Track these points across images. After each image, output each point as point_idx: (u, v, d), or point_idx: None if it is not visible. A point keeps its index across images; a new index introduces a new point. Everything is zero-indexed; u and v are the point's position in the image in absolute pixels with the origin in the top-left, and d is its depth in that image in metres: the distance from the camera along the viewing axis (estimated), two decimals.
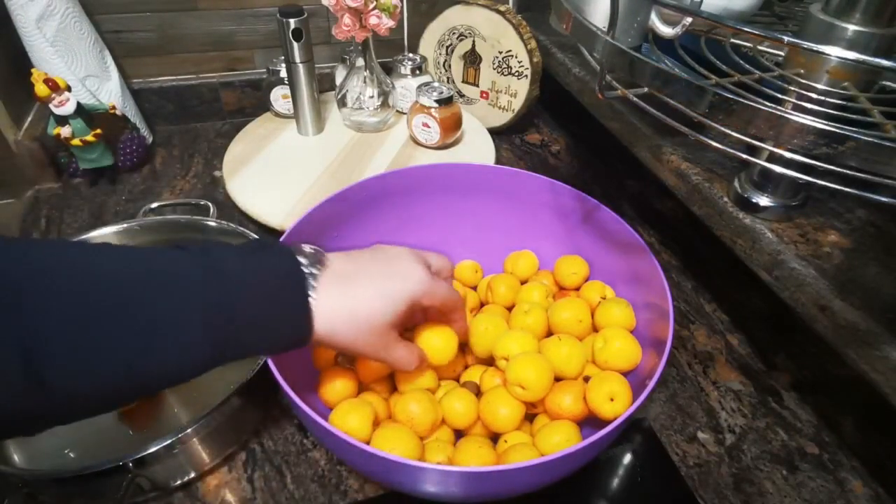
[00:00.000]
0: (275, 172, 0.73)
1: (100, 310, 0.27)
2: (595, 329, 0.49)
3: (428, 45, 0.87)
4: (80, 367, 0.26)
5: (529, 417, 0.45)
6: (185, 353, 0.30)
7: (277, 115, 0.83)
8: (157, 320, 0.28)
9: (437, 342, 0.44)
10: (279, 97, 0.81)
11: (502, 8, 0.78)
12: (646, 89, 0.36)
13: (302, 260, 0.35)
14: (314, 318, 0.34)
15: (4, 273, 0.25)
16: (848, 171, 0.29)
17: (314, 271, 0.35)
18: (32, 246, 0.28)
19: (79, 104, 0.67)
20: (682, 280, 0.65)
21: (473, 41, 0.82)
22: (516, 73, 0.80)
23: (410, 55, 0.84)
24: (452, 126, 0.76)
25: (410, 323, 0.44)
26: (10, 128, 0.70)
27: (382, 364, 0.43)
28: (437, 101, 0.73)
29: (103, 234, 0.57)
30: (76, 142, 0.68)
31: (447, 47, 0.85)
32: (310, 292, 0.34)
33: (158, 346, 0.29)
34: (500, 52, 0.80)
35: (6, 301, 0.24)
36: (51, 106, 0.66)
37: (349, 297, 0.36)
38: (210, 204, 0.66)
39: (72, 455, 0.46)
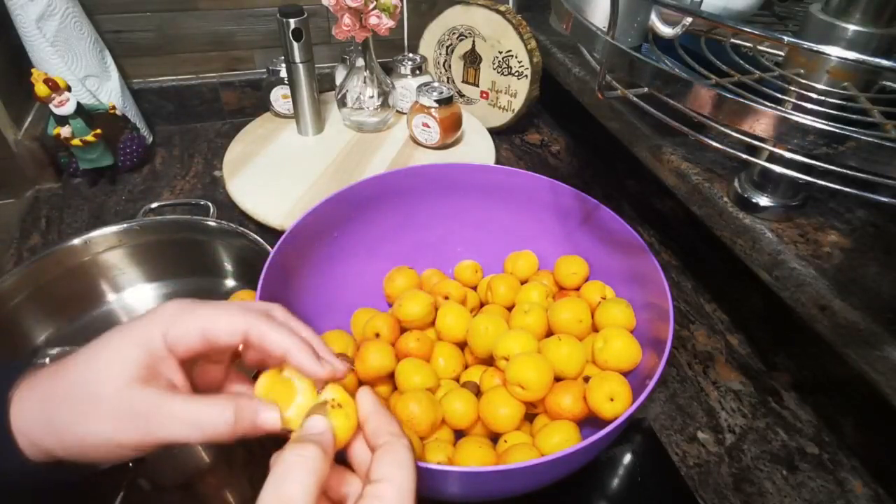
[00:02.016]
0: (275, 172, 0.73)
1: None
2: (595, 329, 0.49)
3: (428, 45, 0.87)
4: None
5: (529, 417, 0.45)
6: None
7: (277, 115, 0.83)
8: None
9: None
10: (279, 97, 0.81)
11: (502, 8, 0.78)
12: (646, 89, 0.36)
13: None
14: (12, 421, 0.27)
15: None
16: (848, 171, 0.29)
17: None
18: None
19: (79, 104, 0.67)
20: (682, 280, 0.65)
21: (473, 41, 0.82)
22: (516, 73, 0.80)
23: (410, 55, 0.84)
24: (452, 126, 0.76)
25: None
26: (10, 128, 0.70)
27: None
28: (437, 101, 0.73)
29: (103, 234, 0.57)
30: (76, 142, 0.68)
31: (447, 47, 0.85)
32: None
33: None
34: (500, 52, 0.80)
35: None
36: (51, 106, 0.66)
37: (51, 385, 0.28)
38: (210, 204, 0.66)
39: None
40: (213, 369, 0.32)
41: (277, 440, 0.48)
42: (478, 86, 0.86)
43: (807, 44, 0.28)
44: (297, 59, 0.72)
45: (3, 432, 0.27)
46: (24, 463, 0.27)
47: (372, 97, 0.78)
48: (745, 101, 0.31)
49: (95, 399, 0.27)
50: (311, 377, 0.30)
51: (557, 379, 0.44)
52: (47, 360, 0.42)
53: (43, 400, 0.28)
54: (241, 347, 0.31)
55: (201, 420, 0.27)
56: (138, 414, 0.27)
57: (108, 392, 0.27)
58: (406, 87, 0.82)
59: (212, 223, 0.59)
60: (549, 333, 0.49)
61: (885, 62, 0.26)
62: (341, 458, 0.30)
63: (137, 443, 0.27)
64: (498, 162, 0.81)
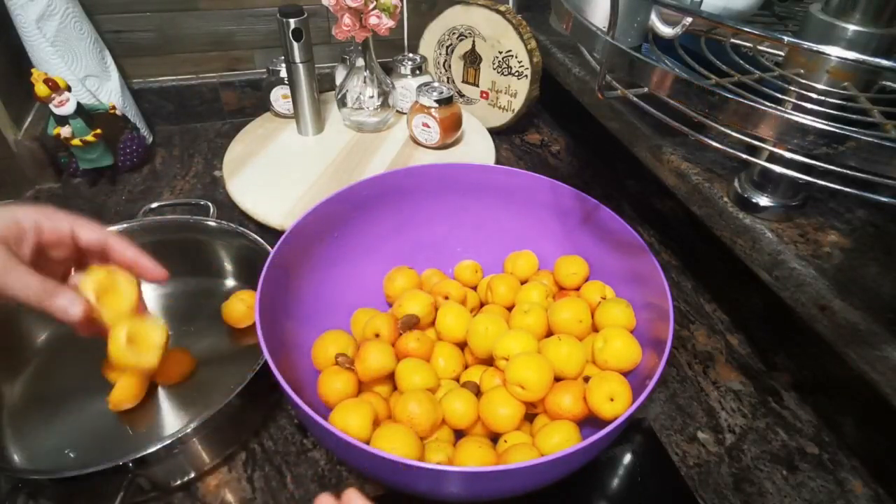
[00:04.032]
0: (275, 172, 0.73)
1: None
2: (595, 329, 0.49)
3: (428, 45, 0.87)
4: None
5: (529, 417, 0.45)
6: None
7: (277, 115, 0.83)
8: None
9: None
10: (279, 97, 0.81)
11: (502, 8, 0.78)
12: (646, 89, 0.36)
13: None
14: None
15: None
16: (848, 171, 0.29)
17: None
18: None
19: (79, 104, 0.67)
20: (682, 280, 0.65)
21: (473, 41, 0.82)
22: (516, 73, 0.80)
23: (410, 55, 0.84)
24: (452, 126, 0.76)
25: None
26: (10, 128, 0.70)
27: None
28: (437, 101, 0.73)
29: None
30: (76, 142, 0.68)
31: (447, 47, 0.85)
32: None
33: None
34: (500, 52, 0.80)
35: None
36: (51, 106, 0.66)
37: None
38: (210, 204, 0.66)
39: (72, 455, 0.46)
40: (51, 263, 0.40)
41: (277, 440, 0.48)
42: (478, 86, 0.86)
43: (807, 44, 0.28)
44: (297, 59, 0.72)
45: None
46: None
47: (372, 97, 0.78)
48: (746, 102, 0.31)
49: None
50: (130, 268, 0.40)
51: (557, 379, 0.44)
52: None
53: None
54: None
55: (33, 288, 0.35)
56: None
57: None
58: (406, 87, 0.82)
59: (212, 223, 0.59)
60: (549, 333, 0.49)
61: (885, 62, 0.26)
62: None
63: None
64: (498, 162, 0.81)
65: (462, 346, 0.50)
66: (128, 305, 0.39)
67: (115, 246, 0.40)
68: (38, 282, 0.36)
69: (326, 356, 0.46)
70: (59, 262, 0.40)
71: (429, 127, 0.75)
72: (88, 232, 0.39)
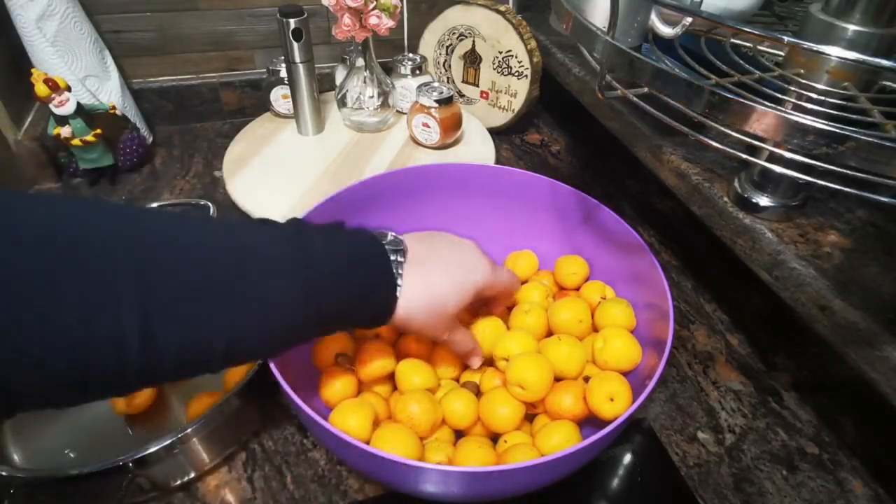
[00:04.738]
0: (275, 172, 0.73)
1: (211, 281, 0.29)
2: (595, 329, 0.49)
3: (428, 45, 0.87)
4: (189, 333, 0.29)
5: (529, 417, 0.45)
6: (283, 329, 0.33)
7: (277, 115, 0.83)
8: (261, 296, 0.31)
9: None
10: (279, 97, 0.81)
11: (502, 8, 0.78)
12: (646, 89, 0.36)
13: (387, 247, 0.37)
14: (398, 303, 0.37)
15: (127, 239, 0.27)
16: (848, 171, 0.29)
17: (399, 259, 0.37)
18: (148, 214, 0.30)
19: (79, 104, 0.67)
20: (682, 280, 0.65)
21: (473, 41, 0.82)
22: (516, 73, 0.80)
23: (410, 55, 0.84)
24: (452, 126, 0.76)
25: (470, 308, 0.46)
26: (10, 128, 0.70)
27: (424, 348, 0.48)
28: (437, 101, 0.73)
29: None
30: (76, 142, 0.68)
31: (447, 47, 0.85)
32: (397, 281, 0.37)
33: (255, 324, 0.31)
34: (500, 52, 0.80)
35: (128, 267, 0.27)
36: (51, 106, 0.66)
37: (428, 285, 0.38)
38: (210, 204, 0.66)
39: (72, 455, 0.46)
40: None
41: (277, 440, 0.48)
42: (478, 86, 0.86)
43: (807, 44, 0.28)
44: (297, 59, 0.72)
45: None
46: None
47: (372, 97, 0.78)
48: (746, 102, 0.31)
49: (443, 308, 0.40)
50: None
51: (557, 379, 0.44)
52: None
53: (423, 284, 0.39)
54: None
55: (464, 343, 0.44)
56: (452, 328, 0.42)
57: (451, 311, 0.40)
58: (406, 87, 0.82)
59: None
60: (549, 333, 0.49)
61: (885, 62, 0.26)
62: None
63: (442, 340, 0.42)
64: (498, 162, 0.81)
65: None
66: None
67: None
68: (472, 341, 0.44)
69: (327, 356, 0.46)
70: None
71: (429, 127, 0.75)
72: (510, 282, 0.48)
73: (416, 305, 0.38)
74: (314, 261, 0.33)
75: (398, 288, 0.37)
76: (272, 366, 0.37)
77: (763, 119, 0.30)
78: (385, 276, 0.37)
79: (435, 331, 0.40)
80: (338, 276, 0.34)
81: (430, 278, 0.38)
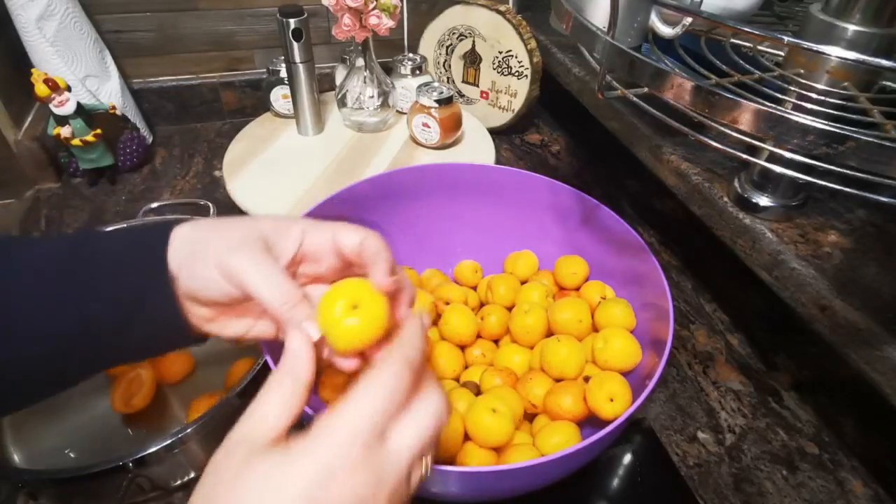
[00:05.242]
0: (275, 172, 0.73)
1: None
2: (595, 329, 0.49)
3: (428, 45, 0.87)
4: None
5: (529, 417, 0.45)
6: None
7: (277, 115, 0.83)
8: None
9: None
10: (279, 97, 0.81)
11: (502, 8, 0.78)
12: (646, 89, 0.36)
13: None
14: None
15: None
16: (848, 171, 0.29)
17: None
18: None
19: (79, 104, 0.67)
20: (682, 280, 0.65)
21: (473, 41, 0.82)
22: (516, 73, 0.80)
23: (410, 55, 0.84)
24: (452, 126, 0.76)
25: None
26: (10, 128, 0.70)
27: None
28: (437, 101, 0.73)
29: None
30: (76, 142, 0.68)
31: (447, 47, 0.85)
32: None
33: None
34: (500, 52, 0.80)
35: None
36: (51, 106, 0.66)
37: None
38: (210, 204, 0.66)
39: (72, 455, 0.46)
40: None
41: None
42: (478, 86, 0.86)
43: (807, 44, 0.28)
44: (297, 59, 0.72)
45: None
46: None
47: (372, 97, 0.78)
48: (746, 101, 0.31)
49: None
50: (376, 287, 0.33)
51: (558, 379, 0.44)
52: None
53: (192, 242, 0.31)
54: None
55: (282, 290, 0.30)
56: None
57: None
58: (406, 87, 0.82)
59: None
60: (549, 333, 0.49)
61: (885, 62, 0.26)
62: None
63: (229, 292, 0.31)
64: (498, 162, 0.81)
65: (463, 346, 0.50)
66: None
67: (365, 248, 0.35)
68: (291, 286, 0.31)
69: None
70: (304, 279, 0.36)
71: (429, 127, 0.75)
72: (348, 235, 0.34)
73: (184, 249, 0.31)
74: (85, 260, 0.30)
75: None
76: (272, 366, 0.37)
77: (762, 118, 0.30)
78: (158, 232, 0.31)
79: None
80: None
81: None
